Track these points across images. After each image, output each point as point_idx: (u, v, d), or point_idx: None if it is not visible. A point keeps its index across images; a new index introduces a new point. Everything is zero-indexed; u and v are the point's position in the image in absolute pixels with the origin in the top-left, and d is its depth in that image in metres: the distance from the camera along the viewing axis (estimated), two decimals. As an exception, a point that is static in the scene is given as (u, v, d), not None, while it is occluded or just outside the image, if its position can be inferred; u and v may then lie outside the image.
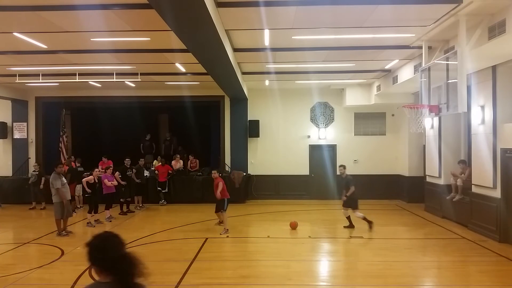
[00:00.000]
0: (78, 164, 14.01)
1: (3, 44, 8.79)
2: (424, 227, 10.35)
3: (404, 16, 7.15)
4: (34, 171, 13.51)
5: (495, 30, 6.67)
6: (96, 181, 10.60)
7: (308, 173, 15.07)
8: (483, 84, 9.04)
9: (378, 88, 13.22)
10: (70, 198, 9.65)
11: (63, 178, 9.59)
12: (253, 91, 15.16)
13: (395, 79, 11.64)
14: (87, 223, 10.47)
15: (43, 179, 13.04)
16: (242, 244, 8.99)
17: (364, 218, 9.75)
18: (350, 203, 9.83)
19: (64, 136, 15.11)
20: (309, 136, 15.30)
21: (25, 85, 13.74)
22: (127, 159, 12.64)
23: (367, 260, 7.33)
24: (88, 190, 10.44)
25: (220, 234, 9.51)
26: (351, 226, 9.95)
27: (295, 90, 15.05)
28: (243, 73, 12.20)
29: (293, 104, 15.28)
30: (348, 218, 10.02)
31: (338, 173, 10.20)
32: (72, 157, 14.30)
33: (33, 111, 15.56)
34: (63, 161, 14.83)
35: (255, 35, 8.24)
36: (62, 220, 9.46)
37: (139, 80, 12.34)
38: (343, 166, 10.23)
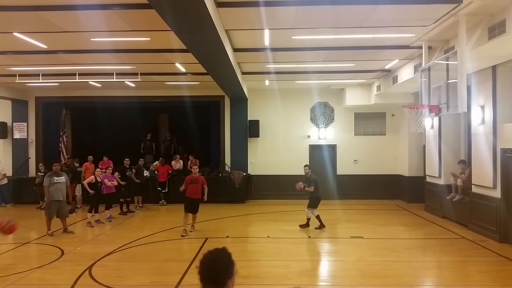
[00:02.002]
0: (77, 164, 13.98)
1: (3, 44, 8.80)
2: (424, 227, 10.35)
3: (404, 16, 7.15)
4: (40, 171, 13.50)
5: (495, 30, 6.67)
6: (99, 180, 10.59)
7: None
8: (483, 84, 9.04)
9: (378, 88, 13.22)
10: (59, 199, 9.32)
11: (56, 177, 9.34)
12: (253, 91, 15.16)
13: (395, 79, 11.64)
14: (87, 222, 10.47)
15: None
16: (242, 244, 8.99)
17: (308, 220, 9.95)
18: (312, 203, 9.91)
19: (64, 136, 15.11)
20: (309, 136, 15.30)
21: (25, 85, 13.74)
22: (126, 159, 12.63)
23: (367, 260, 7.32)
24: (91, 192, 10.39)
25: (182, 235, 9.19)
26: (307, 225, 9.98)
27: (295, 90, 15.04)
28: (243, 73, 12.21)
29: (293, 104, 15.27)
30: (309, 219, 10.02)
31: (306, 173, 10.18)
32: (91, 156, 13.57)
33: (33, 111, 15.56)
34: (63, 160, 14.86)
35: (255, 35, 8.24)
36: (50, 220, 9.36)
37: (139, 80, 12.35)
38: (308, 166, 10.30)
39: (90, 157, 13.57)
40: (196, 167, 9.98)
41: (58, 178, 9.41)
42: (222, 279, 2.20)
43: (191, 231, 9.58)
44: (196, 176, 9.67)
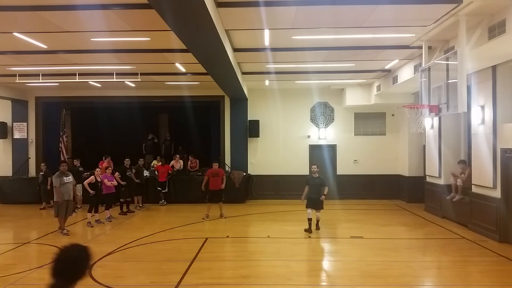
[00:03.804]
0: (77, 164, 13.97)
1: (3, 44, 8.80)
2: (424, 227, 10.35)
3: (404, 16, 7.14)
4: (41, 172, 13.47)
5: (495, 30, 6.67)
6: (99, 180, 10.59)
7: (308, 173, 15.01)
8: (483, 84, 9.04)
9: (378, 88, 13.22)
10: (69, 198, 9.47)
11: (65, 177, 9.43)
12: (253, 91, 15.16)
13: (395, 79, 11.64)
14: (87, 222, 10.46)
15: (49, 179, 13.07)
16: (242, 244, 8.99)
17: (318, 222, 9.56)
18: (321, 204, 9.45)
19: (64, 136, 15.13)
20: (309, 136, 15.30)
21: (25, 85, 13.74)
22: (127, 160, 12.61)
23: (367, 260, 7.32)
24: (92, 192, 10.39)
25: (203, 219, 11.12)
26: (310, 230, 9.37)
27: (295, 90, 15.04)
28: (243, 73, 12.20)
29: (293, 104, 15.27)
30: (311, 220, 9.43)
31: (314, 173, 9.72)
32: (109, 157, 13.39)
33: (33, 111, 15.57)
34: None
35: (255, 35, 8.24)
36: (63, 219, 9.44)
37: (139, 80, 12.35)
38: (316, 166, 9.89)
39: (108, 158, 13.34)
40: (216, 163, 11.55)
41: (67, 178, 9.50)
42: (79, 276, 2.21)
43: (224, 217, 11.27)
44: (217, 170, 11.28)
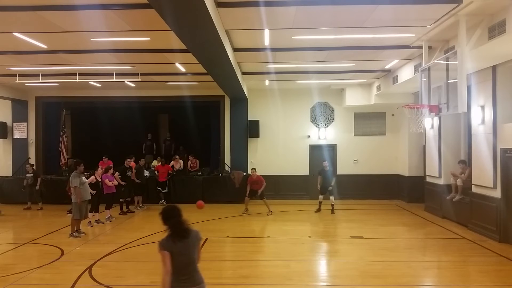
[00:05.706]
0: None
1: (3, 44, 8.80)
2: (424, 227, 10.35)
3: (404, 16, 7.15)
4: (28, 172, 13.21)
5: (495, 30, 6.67)
6: (99, 179, 10.59)
7: (308, 173, 15.06)
8: (483, 84, 9.04)
9: (378, 88, 13.22)
10: (88, 199, 9.49)
11: (83, 177, 9.44)
12: (253, 91, 15.16)
13: (395, 79, 11.65)
14: (88, 222, 10.45)
15: (39, 179, 13.05)
16: (242, 244, 8.99)
17: (332, 206, 12.03)
18: (331, 191, 12.01)
19: (64, 136, 15.14)
20: (309, 136, 15.30)
21: (25, 85, 13.74)
22: (127, 160, 12.60)
23: (367, 260, 7.32)
24: (93, 192, 10.37)
25: (243, 213, 12.21)
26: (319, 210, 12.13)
27: (295, 90, 15.04)
28: (243, 73, 12.21)
29: (293, 104, 15.28)
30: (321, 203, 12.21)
31: (325, 167, 12.24)
32: (134, 156, 13.09)
33: (33, 111, 15.57)
34: (63, 160, 14.87)
35: (255, 35, 8.24)
36: (80, 220, 9.37)
37: (139, 80, 12.35)
38: (326, 161, 12.47)
39: (132, 160, 12.89)
40: (255, 169, 12.38)
41: (83, 178, 9.48)
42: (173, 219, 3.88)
43: (270, 214, 12.06)
44: (256, 179, 12.14)
